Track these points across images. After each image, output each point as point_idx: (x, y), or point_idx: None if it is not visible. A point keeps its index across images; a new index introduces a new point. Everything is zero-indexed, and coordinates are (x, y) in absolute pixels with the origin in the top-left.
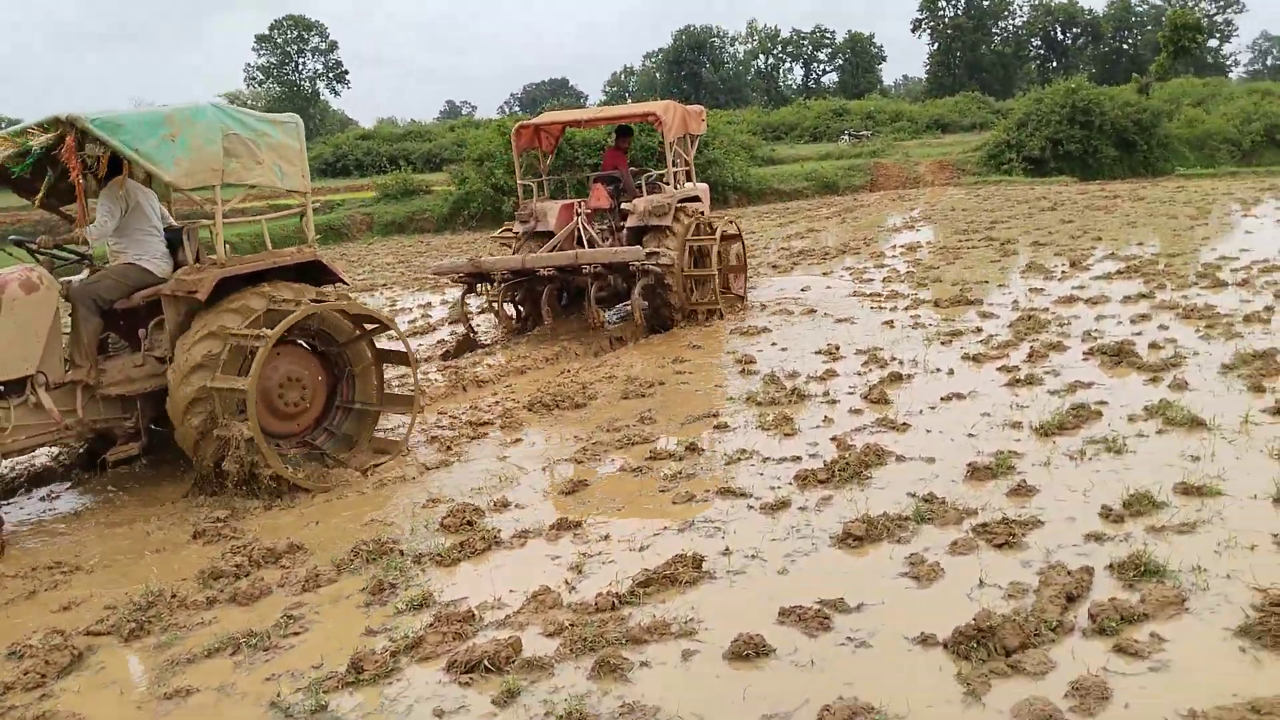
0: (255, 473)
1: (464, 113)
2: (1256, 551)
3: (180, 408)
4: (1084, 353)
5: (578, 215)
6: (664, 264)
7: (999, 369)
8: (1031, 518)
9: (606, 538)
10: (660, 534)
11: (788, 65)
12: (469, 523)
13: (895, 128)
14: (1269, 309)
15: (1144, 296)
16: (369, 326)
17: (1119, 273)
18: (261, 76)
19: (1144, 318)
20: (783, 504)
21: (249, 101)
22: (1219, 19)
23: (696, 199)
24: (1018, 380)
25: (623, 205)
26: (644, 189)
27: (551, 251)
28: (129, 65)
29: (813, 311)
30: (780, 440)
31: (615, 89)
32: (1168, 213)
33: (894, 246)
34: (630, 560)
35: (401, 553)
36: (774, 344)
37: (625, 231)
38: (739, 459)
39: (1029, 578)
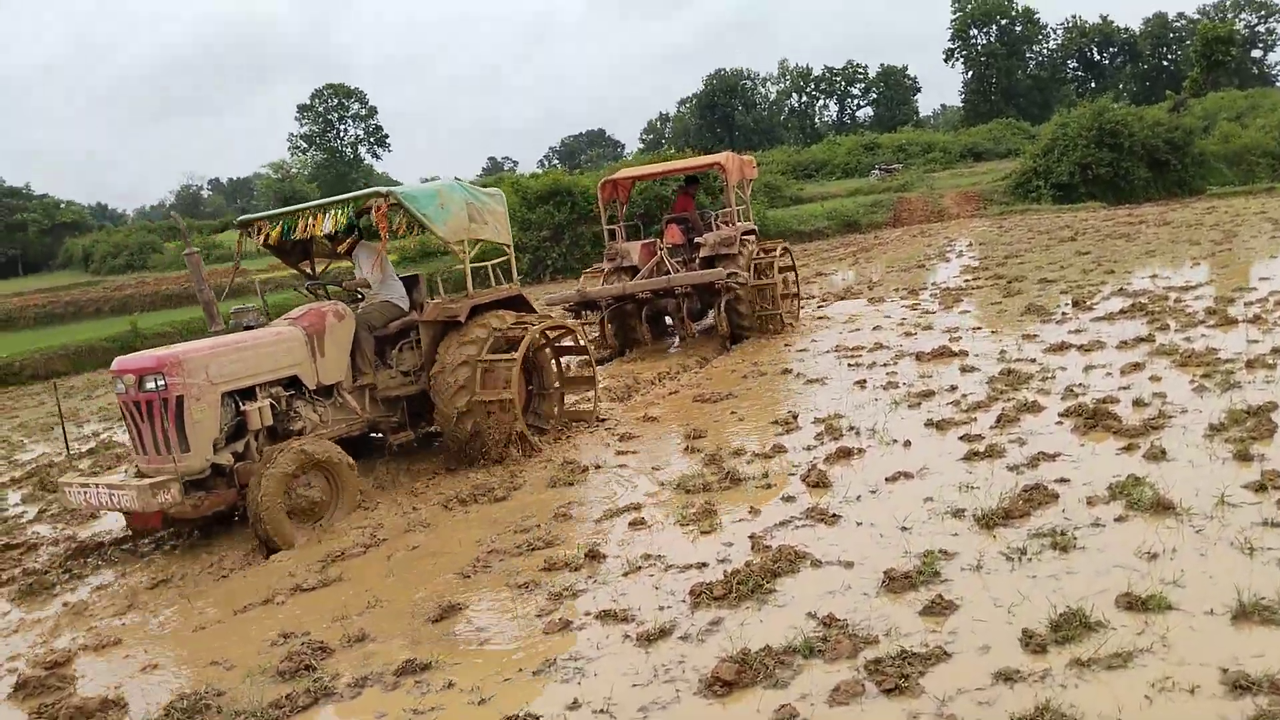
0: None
1: (506, 168)
2: (1197, 696)
3: (451, 419)
4: (1059, 414)
5: (660, 249)
6: (740, 281)
7: (961, 437)
8: (937, 648)
9: (450, 685)
10: (512, 678)
11: (821, 102)
12: (308, 666)
13: (928, 159)
14: (1277, 351)
15: (1143, 340)
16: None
17: (1123, 311)
18: (304, 144)
19: (1137, 367)
20: (664, 631)
21: (294, 169)
22: (1260, 29)
23: (754, 231)
24: (976, 453)
25: (694, 240)
26: (711, 226)
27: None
28: (179, 138)
29: (787, 371)
30: (694, 540)
31: (651, 136)
32: (1191, 238)
33: (897, 290)
34: (463, 718)
35: (219, 710)
36: (733, 412)
37: (698, 261)
38: (640, 567)
39: None
